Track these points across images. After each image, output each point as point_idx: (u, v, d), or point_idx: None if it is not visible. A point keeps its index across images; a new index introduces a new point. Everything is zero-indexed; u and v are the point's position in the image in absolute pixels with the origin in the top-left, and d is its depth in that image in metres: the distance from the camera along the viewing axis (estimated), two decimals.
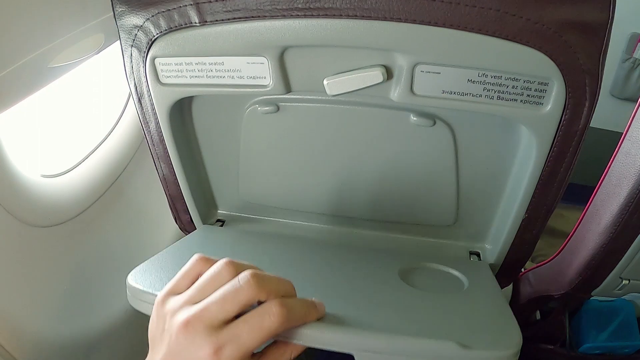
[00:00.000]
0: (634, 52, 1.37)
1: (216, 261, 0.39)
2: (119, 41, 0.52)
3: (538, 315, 0.93)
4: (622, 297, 0.88)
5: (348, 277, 0.56)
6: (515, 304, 0.85)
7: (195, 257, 0.40)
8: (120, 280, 0.84)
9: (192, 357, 0.35)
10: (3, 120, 0.59)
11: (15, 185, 0.61)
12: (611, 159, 0.61)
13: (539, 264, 0.80)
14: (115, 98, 0.88)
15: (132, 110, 0.88)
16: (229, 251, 0.63)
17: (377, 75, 0.45)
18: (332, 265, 0.60)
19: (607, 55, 1.24)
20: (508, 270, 0.67)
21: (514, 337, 0.45)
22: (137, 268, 0.52)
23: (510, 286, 0.84)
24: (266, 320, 0.35)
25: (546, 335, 0.90)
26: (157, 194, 0.90)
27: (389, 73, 0.46)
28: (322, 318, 0.41)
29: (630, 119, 0.57)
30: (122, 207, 0.85)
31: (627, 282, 0.68)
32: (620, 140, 0.59)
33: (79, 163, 0.76)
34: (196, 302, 0.36)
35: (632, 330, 0.86)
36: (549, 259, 0.77)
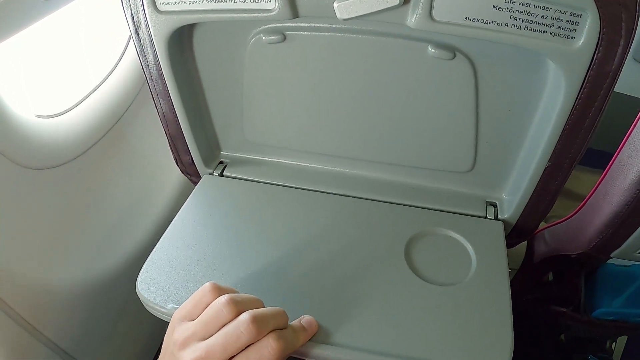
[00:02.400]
0: None
1: (223, 292, 0.43)
2: None
3: (551, 277, 0.90)
4: (638, 264, 0.85)
5: (350, 251, 0.57)
6: (528, 263, 0.83)
7: (208, 287, 0.44)
8: (122, 226, 0.82)
9: None
10: None
11: (9, 125, 0.59)
12: (638, 115, 0.57)
13: (554, 223, 0.77)
14: (116, 34, 0.84)
15: (134, 49, 0.84)
16: (230, 217, 0.62)
17: None
18: (335, 233, 0.59)
19: None
20: (524, 226, 0.63)
21: (505, 351, 0.46)
22: (146, 271, 0.55)
23: (524, 245, 0.81)
24: (265, 354, 0.41)
25: (559, 297, 0.87)
26: (160, 137, 0.88)
27: None
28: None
29: None
30: (122, 150, 0.82)
31: None
32: None
33: (77, 104, 0.73)
34: (201, 337, 0.41)
35: None
36: (567, 217, 0.73)
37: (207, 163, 0.69)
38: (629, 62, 1.44)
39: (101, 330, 0.80)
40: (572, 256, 0.71)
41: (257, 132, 0.65)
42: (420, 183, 0.64)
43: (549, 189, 0.56)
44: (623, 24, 0.39)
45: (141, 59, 0.56)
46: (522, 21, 0.41)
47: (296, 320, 0.47)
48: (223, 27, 0.52)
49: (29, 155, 0.63)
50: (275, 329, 0.43)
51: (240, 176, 0.69)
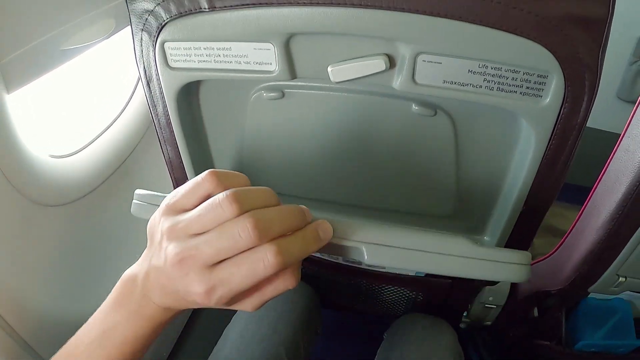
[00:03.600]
0: None
1: (227, 183, 0.37)
2: (129, 26, 0.53)
3: (536, 312, 0.93)
4: (620, 297, 0.89)
5: None
6: (513, 299, 0.86)
7: (208, 173, 0.38)
8: (124, 261, 0.85)
9: (185, 289, 0.36)
10: (14, 100, 0.60)
11: (25, 164, 0.63)
12: (611, 156, 0.62)
13: (537, 260, 0.81)
14: (124, 82, 0.89)
15: (140, 94, 0.90)
16: None
17: (380, 64, 0.46)
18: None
19: (615, 58, 1.24)
20: None
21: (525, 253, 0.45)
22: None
23: (508, 282, 0.85)
24: (259, 268, 0.35)
25: (543, 331, 0.91)
26: (163, 178, 0.92)
27: (391, 62, 0.46)
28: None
29: (630, 116, 0.57)
30: (127, 190, 0.86)
31: (624, 279, 0.69)
32: (620, 137, 0.60)
33: (87, 145, 0.78)
34: (192, 233, 0.36)
35: (628, 330, 0.87)
36: (547, 255, 0.78)
37: None
38: (613, 100, 1.50)
39: None
40: (553, 292, 0.76)
41: (255, 178, 0.69)
42: (407, 225, 0.68)
43: (526, 229, 0.60)
44: (586, 82, 0.44)
45: (151, 109, 0.60)
46: (495, 83, 0.45)
47: (312, 225, 0.39)
48: (228, 83, 0.57)
49: (41, 192, 0.67)
50: (280, 236, 0.36)
51: None
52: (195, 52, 0.51)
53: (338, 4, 0.42)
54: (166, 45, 0.51)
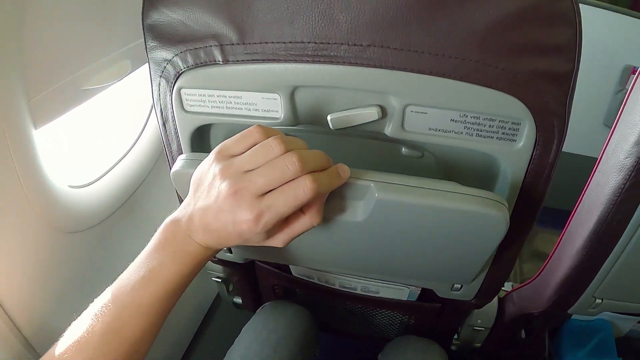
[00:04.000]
0: (626, 84, 1.42)
1: (271, 133, 0.45)
2: (142, 66, 0.57)
3: (523, 334, 0.98)
4: (602, 317, 0.94)
5: None
6: (500, 322, 0.91)
7: (256, 126, 0.46)
8: None
9: (235, 218, 0.44)
10: (39, 135, 0.65)
11: (47, 194, 0.68)
12: (584, 189, 0.68)
13: (522, 284, 0.86)
14: (136, 117, 0.95)
15: (150, 130, 0.95)
16: None
17: (373, 114, 0.51)
18: None
19: (602, 86, 1.29)
20: (488, 290, 0.72)
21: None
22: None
23: (495, 306, 0.90)
24: (300, 193, 0.43)
25: (529, 352, 0.96)
26: (171, 207, 0.97)
27: (383, 112, 0.52)
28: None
29: (602, 151, 0.63)
30: (138, 217, 0.92)
31: (601, 300, 0.74)
32: (593, 171, 0.65)
33: (102, 176, 0.83)
34: (245, 170, 0.43)
35: (609, 350, 0.92)
36: (531, 279, 0.83)
37: None
38: (600, 128, 1.56)
39: None
40: (536, 314, 0.81)
41: None
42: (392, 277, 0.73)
43: (506, 257, 0.65)
44: (555, 128, 0.49)
45: (166, 147, 0.65)
46: (474, 130, 0.51)
47: (333, 167, 0.47)
48: (237, 126, 0.61)
49: (61, 220, 0.72)
50: (314, 171, 0.44)
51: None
52: (209, 99, 0.56)
53: (337, 62, 0.48)
54: (182, 91, 0.57)
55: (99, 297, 0.49)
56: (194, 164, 0.52)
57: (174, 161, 0.66)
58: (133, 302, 0.47)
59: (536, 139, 0.50)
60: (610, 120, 1.50)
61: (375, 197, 0.51)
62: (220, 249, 0.51)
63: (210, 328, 1.26)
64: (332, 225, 0.58)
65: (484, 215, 0.50)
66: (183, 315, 1.13)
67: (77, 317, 0.49)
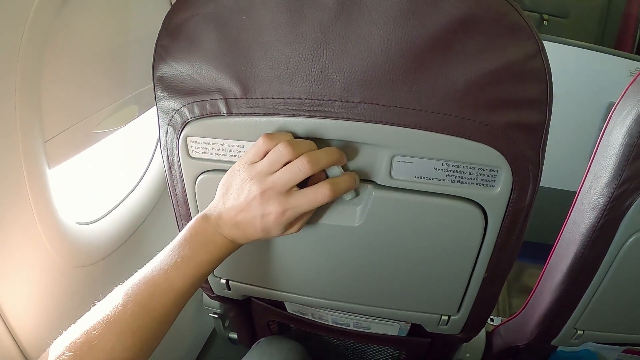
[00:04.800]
0: None
1: (278, 138, 0.53)
2: (153, 116, 0.60)
3: None
4: (587, 349, 0.96)
5: None
6: (488, 355, 0.94)
7: (262, 138, 0.54)
8: None
9: (264, 212, 0.54)
10: (51, 175, 0.68)
11: (59, 230, 0.71)
12: (563, 226, 0.71)
13: (508, 318, 0.90)
14: (140, 158, 0.99)
15: (152, 170, 1.00)
16: None
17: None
18: None
19: (587, 123, 1.31)
20: (474, 324, 0.75)
21: None
22: None
23: (483, 339, 0.93)
24: (319, 196, 0.53)
25: None
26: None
27: (373, 161, 0.57)
28: None
29: (577, 191, 0.67)
30: (141, 251, 0.95)
31: (582, 332, 0.77)
32: (570, 210, 0.69)
33: (107, 213, 0.87)
34: (267, 173, 0.53)
35: None
36: (516, 313, 0.87)
37: (216, 272, 0.78)
38: (586, 163, 1.58)
39: None
40: (521, 346, 0.84)
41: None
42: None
43: (489, 293, 0.68)
44: (530, 173, 0.53)
45: (170, 189, 0.68)
46: (455, 177, 0.55)
47: (349, 173, 0.57)
48: None
49: (69, 254, 0.75)
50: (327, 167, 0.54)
51: (244, 282, 0.79)
52: (213, 147, 0.60)
53: (331, 117, 0.52)
54: (188, 139, 0.60)
55: (125, 283, 0.55)
56: (218, 173, 0.61)
57: (177, 203, 0.70)
58: (166, 283, 0.54)
59: (513, 184, 0.54)
60: None
61: (372, 195, 0.58)
62: (243, 243, 0.59)
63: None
64: (329, 234, 0.64)
65: (465, 210, 0.57)
66: (179, 348, 1.15)
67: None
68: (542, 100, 0.49)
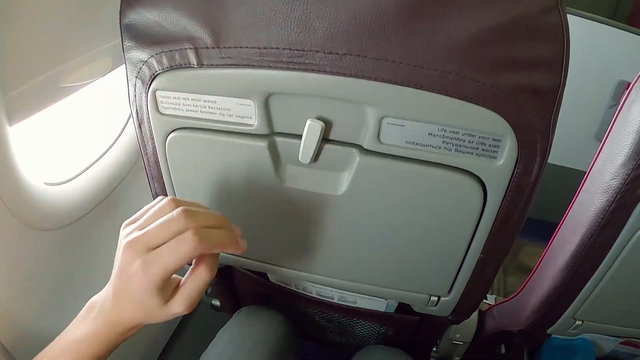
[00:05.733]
0: (620, 100, 1.41)
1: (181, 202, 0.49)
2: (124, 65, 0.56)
3: (503, 349, 0.97)
4: (584, 337, 0.92)
5: None
6: (480, 336, 0.90)
7: (159, 198, 0.50)
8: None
9: (129, 271, 0.45)
10: (14, 131, 0.63)
11: (21, 191, 0.66)
12: (568, 207, 0.66)
13: (502, 301, 0.85)
14: (116, 116, 0.93)
15: (130, 130, 0.94)
16: None
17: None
18: None
19: (595, 100, 1.27)
20: (465, 307, 0.70)
21: None
22: None
23: (475, 321, 0.88)
24: (182, 245, 0.44)
25: None
26: None
27: (359, 123, 0.51)
28: None
29: (587, 171, 0.62)
30: (115, 217, 0.90)
31: (581, 322, 0.73)
32: (577, 192, 0.64)
33: (79, 174, 0.82)
34: (141, 228, 0.46)
35: None
36: (511, 296, 0.82)
37: None
38: (592, 142, 1.55)
39: None
40: (514, 332, 0.79)
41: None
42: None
43: (483, 276, 0.64)
44: (538, 145, 0.48)
45: (141, 148, 0.64)
46: (452, 145, 0.49)
47: (233, 226, 0.52)
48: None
49: (35, 217, 0.70)
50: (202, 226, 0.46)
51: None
52: (183, 102, 0.55)
53: (312, 70, 0.46)
54: (157, 93, 0.55)
55: None
56: (189, 132, 0.57)
57: (149, 163, 0.65)
58: None
59: (518, 157, 0.49)
60: (602, 134, 1.49)
61: (357, 161, 0.53)
62: (136, 325, 0.51)
63: (188, 330, 1.24)
64: (311, 203, 0.58)
65: (462, 183, 0.52)
66: None
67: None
68: (557, 62, 0.43)
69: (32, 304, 0.72)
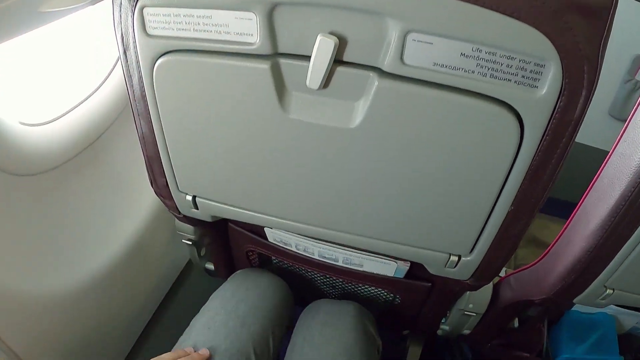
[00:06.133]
0: (636, 74, 1.36)
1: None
2: None
3: (516, 323, 0.91)
4: (604, 312, 0.86)
5: None
6: (494, 308, 0.83)
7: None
8: (92, 241, 0.82)
9: None
10: None
11: None
12: (604, 162, 0.60)
13: (521, 269, 0.78)
14: (105, 57, 0.85)
15: (120, 70, 0.86)
16: None
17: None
18: None
19: (609, 75, 1.22)
20: (487, 269, 0.63)
21: None
22: None
23: (490, 290, 0.82)
24: None
25: (523, 343, 0.88)
26: (138, 159, 0.89)
27: (379, 40, 0.43)
28: None
29: (628, 120, 0.56)
30: (100, 166, 0.83)
31: (612, 291, 0.66)
32: (616, 142, 0.57)
33: (61, 116, 0.74)
34: None
35: (611, 346, 0.85)
36: (532, 264, 0.75)
37: (181, 187, 0.68)
38: (604, 117, 1.49)
39: (64, 343, 0.79)
40: (536, 301, 0.73)
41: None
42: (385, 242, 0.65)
43: (511, 233, 0.57)
44: (585, 75, 0.41)
45: (127, 79, 0.57)
46: (488, 69, 0.42)
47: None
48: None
49: (7, 160, 0.63)
50: None
51: (213, 200, 0.68)
52: (174, 19, 0.48)
53: None
54: (145, 10, 0.48)
55: None
56: (180, 55, 0.50)
57: (135, 97, 0.58)
58: None
59: (562, 87, 0.42)
60: (615, 110, 1.44)
61: (375, 86, 0.45)
62: None
63: (180, 295, 1.17)
64: (319, 139, 0.51)
65: (496, 116, 0.45)
66: (150, 280, 1.04)
67: None
68: None
69: (6, 258, 0.66)
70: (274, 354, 0.78)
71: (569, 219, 0.66)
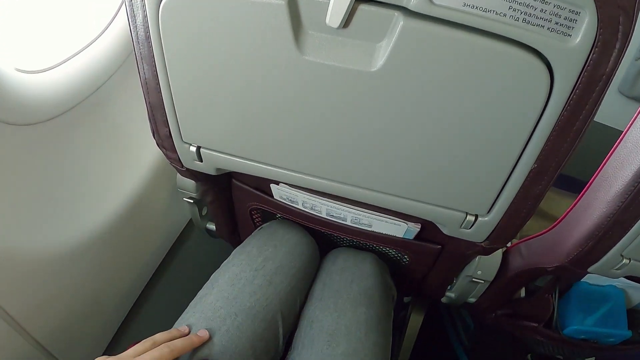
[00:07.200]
0: None
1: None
2: None
3: (523, 293, 0.89)
4: (614, 285, 0.85)
5: None
6: (503, 275, 0.81)
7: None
8: (91, 197, 0.79)
9: None
10: None
11: None
12: (629, 125, 0.57)
13: (533, 236, 0.76)
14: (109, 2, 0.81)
15: (124, 16, 0.81)
16: None
17: None
18: None
19: None
20: (503, 232, 0.61)
21: None
22: None
23: (500, 256, 0.79)
24: (156, 354, 0.55)
25: (531, 312, 0.86)
26: (139, 112, 0.85)
27: None
28: None
29: None
30: (101, 118, 0.79)
31: (628, 261, 0.64)
32: None
33: (60, 63, 0.71)
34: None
35: (619, 319, 0.84)
36: (544, 231, 0.73)
37: (185, 138, 0.64)
38: (613, 95, 1.45)
39: (58, 303, 0.77)
40: (549, 269, 0.70)
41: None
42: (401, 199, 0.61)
43: (533, 192, 0.54)
44: (620, 26, 0.39)
45: (130, 20, 0.53)
46: (521, 13, 0.39)
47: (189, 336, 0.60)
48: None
49: (0, 108, 0.60)
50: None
51: (218, 151, 0.65)
52: None
53: None
54: None
55: None
56: None
57: (138, 39, 0.54)
58: None
59: (596, 38, 0.40)
60: (625, 87, 1.41)
61: (400, 26, 0.42)
62: None
63: (180, 256, 1.15)
64: (336, 83, 0.48)
65: (525, 64, 0.42)
66: (149, 241, 1.02)
67: None
68: None
69: (4, 212, 0.64)
70: (299, 313, 0.76)
71: (587, 186, 0.63)
